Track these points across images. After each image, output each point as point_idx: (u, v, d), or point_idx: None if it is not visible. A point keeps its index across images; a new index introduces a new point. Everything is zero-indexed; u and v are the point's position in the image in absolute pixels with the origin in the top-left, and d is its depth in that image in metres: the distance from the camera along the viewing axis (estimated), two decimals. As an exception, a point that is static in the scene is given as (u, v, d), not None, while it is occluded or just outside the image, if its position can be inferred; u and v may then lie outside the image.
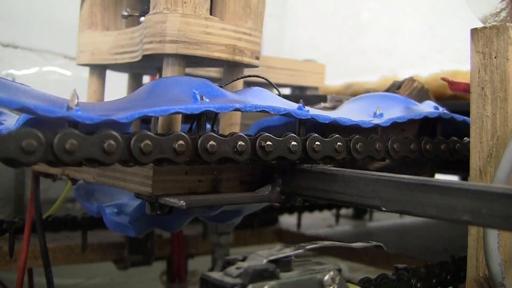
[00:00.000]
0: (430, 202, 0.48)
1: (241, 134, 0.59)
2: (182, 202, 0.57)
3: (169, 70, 0.70)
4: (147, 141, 0.52)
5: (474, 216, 0.44)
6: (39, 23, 1.42)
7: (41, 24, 1.42)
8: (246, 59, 0.74)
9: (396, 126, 0.73)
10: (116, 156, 0.50)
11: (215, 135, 0.57)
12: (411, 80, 0.87)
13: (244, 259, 0.50)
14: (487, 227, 0.59)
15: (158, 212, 0.61)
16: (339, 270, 0.50)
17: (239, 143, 0.58)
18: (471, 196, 0.45)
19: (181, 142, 0.54)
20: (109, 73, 0.90)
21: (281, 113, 0.63)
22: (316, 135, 0.64)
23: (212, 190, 0.64)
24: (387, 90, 0.87)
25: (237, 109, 0.60)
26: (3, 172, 1.19)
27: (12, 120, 0.69)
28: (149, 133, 0.53)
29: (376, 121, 0.71)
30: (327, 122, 0.66)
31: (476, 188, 0.45)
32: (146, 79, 1.07)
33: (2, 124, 0.71)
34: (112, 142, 0.50)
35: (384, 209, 0.53)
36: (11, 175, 1.20)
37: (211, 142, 0.56)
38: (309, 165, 0.63)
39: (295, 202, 0.65)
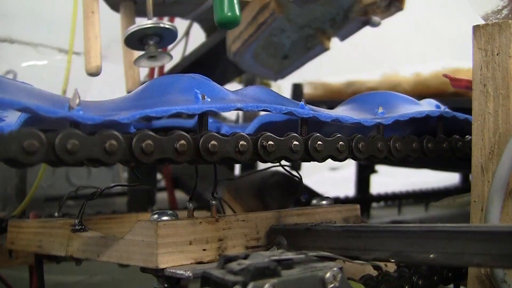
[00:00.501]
0: (438, 249, 0.48)
1: (242, 134, 0.59)
2: (189, 273, 0.56)
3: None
4: (149, 141, 0.52)
5: (485, 258, 0.44)
6: (36, 18, 1.42)
7: (38, 19, 1.42)
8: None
9: (398, 124, 0.73)
10: (118, 156, 0.50)
11: (217, 135, 0.57)
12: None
13: (245, 257, 0.50)
14: (498, 267, 0.59)
15: (166, 285, 0.60)
16: (341, 268, 0.50)
17: (240, 143, 0.58)
18: (478, 238, 0.45)
19: (182, 142, 0.54)
20: (110, 69, 0.90)
21: (283, 112, 0.63)
22: (318, 134, 0.64)
23: (218, 258, 0.62)
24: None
25: (238, 109, 0.60)
26: (4, 170, 1.19)
27: (13, 117, 0.69)
28: (150, 133, 0.53)
29: (378, 119, 0.71)
30: (329, 120, 0.66)
31: (482, 230, 0.45)
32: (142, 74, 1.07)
33: (4, 120, 0.71)
34: (113, 142, 0.50)
35: (393, 260, 0.53)
36: (13, 173, 1.20)
37: (213, 142, 0.56)
38: (313, 224, 0.63)
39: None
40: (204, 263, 0.61)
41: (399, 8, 1.02)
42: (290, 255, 0.50)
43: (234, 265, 0.47)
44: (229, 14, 0.72)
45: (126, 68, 0.93)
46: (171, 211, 0.60)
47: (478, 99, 0.66)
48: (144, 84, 0.67)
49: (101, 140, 0.49)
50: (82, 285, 1.37)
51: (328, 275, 0.49)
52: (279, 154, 0.61)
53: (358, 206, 0.76)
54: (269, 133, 0.60)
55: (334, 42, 1.11)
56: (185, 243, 0.60)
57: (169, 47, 1.03)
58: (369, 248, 0.54)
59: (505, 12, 0.69)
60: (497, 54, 0.64)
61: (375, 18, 1.01)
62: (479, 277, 0.64)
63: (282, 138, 0.61)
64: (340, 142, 0.65)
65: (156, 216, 0.59)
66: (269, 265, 0.47)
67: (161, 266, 0.58)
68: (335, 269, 0.49)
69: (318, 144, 0.63)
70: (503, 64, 0.63)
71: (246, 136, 0.59)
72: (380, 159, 0.72)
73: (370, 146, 0.69)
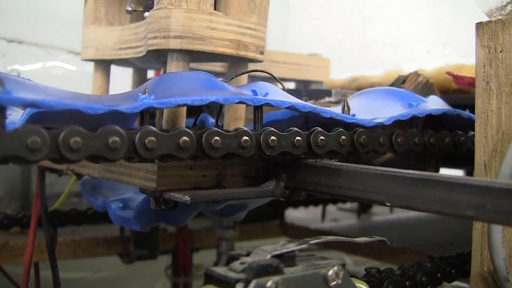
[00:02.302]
0: (434, 197, 0.48)
1: (245, 129, 0.59)
2: (186, 197, 0.57)
3: (174, 65, 0.70)
4: (152, 137, 0.52)
5: (479, 211, 0.44)
6: (43, 18, 1.43)
7: (46, 19, 1.43)
8: (250, 54, 0.74)
9: (400, 121, 0.73)
10: (121, 153, 0.50)
11: (220, 130, 0.57)
12: (416, 74, 0.87)
13: (248, 254, 0.50)
14: (491, 222, 0.59)
15: (163, 207, 0.61)
16: (343, 265, 0.51)
17: (243, 138, 0.58)
18: (476, 192, 0.44)
19: (185, 138, 0.54)
20: (114, 68, 0.90)
21: (285, 106, 0.63)
22: (320, 129, 0.64)
23: (216, 185, 0.64)
24: (392, 85, 0.87)
25: (242, 101, 0.60)
26: (9, 167, 1.20)
27: (17, 115, 0.69)
28: (153, 129, 0.53)
29: (379, 120, 0.71)
30: (328, 117, 0.66)
31: (480, 184, 0.44)
32: (150, 74, 1.07)
33: (7, 118, 0.71)
34: (116, 138, 0.50)
35: (388, 204, 0.52)
36: (17, 170, 1.21)
37: (216, 138, 0.56)
38: (314, 160, 0.63)
39: (299, 197, 0.65)
40: (202, 188, 0.62)
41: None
42: (292, 246, 0.50)
43: (237, 263, 0.47)
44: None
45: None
46: None
47: (481, 97, 0.65)
48: (149, 80, 0.68)
49: (104, 137, 0.49)
50: (85, 281, 1.37)
51: (330, 272, 0.49)
52: (281, 149, 0.61)
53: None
54: (271, 129, 0.60)
55: (341, 41, 1.11)
56: (185, 167, 0.61)
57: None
58: (367, 190, 0.55)
59: (509, 8, 0.69)
60: (500, 52, 0.64)
61: None
62: (482, 274, 0.64)
63: (285, 133, 0.61)
64: (342, 137, 0.65)
65: None
66: (272, 262, 0.47)
67: (160, 188, 0.59)
68: (337, 266, 0.50)
69: (320, 139, 0.63)
70: (506, 61, 0.63)
71: (249, 131, 0.59)
72: (382, 154, 0.72)
73: (372, 141, 0.69)
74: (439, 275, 0.71)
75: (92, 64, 0.89)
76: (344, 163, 0.60)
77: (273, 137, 0.60)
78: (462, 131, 0.79)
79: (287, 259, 0.49)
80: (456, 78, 0.77)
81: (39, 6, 1.45)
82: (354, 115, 0.69)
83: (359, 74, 1.27)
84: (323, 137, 0.64)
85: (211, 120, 0.87)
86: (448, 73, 0.78)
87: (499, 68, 0.64)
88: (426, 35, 1.69)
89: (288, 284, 0.46)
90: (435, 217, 1.45)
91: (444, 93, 0.91)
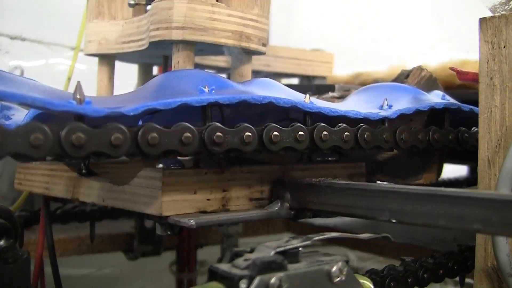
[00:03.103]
0: (440, 212, 0.47)
1: (248, 125, 0.59)
2: (192, 221, 0.57)
3: (179, 56, 0.70)
4: (154, 134, 0.52)
5: (484, 224, 0.44)
6: (46, 15, 1.43)
7: (49, 16, 1.43)
8: (253, 46, 0.74)
9: (404, 117, 0.73)
10: (124, 149, 0.50)
11: (222, 126, 0.57)
12: (420, 69, 0.86)
13: (252, 251, 0.50)
14: (497, 235, 0.59)
15: (169, 232, 0.61)
16: (347, 262, 0.51)
17: (246, 134, 0.58)
18: (481, 205, 0.44)
19: (187, 134, 0.54)
20: (119, 65, 0.90)
21: (288, 105, 0.63)
22: (324, 124, 0.64)
23: (221, 208, 0.63)
24: (395, 80, 0.87)
25: (243, 100, 0.60)
26: (13, 164, 1.20)
27: (20, 115, 0.69)
28: (156, 125, 0.53)
29: (384, 113, 0.71)
30: (334, 115, 0.66)
31: (485, 196, 0.44)
32: (155, 71, 1.07)
33: (11, 118, 0.71)
34: (119, 135, 0.50)
35: (394, 221, 0.52)
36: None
37: (218, 134, 0.56)
38: (317, 180, 0.63)
39: (305, 217, 0.65)
40: (207, 212, 0.62)
41: None
42: (295, 243, 0.50)
43: (240, 260, 0.47)
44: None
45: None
46: (177, 160, 0.61)
47: (484, 92, 0.65)
48: (153, 78, 0.67)
49: (107, 133, 0.49)
50: (90, 278, 1.37)
51: (334, 268, 0.49)
52: (284, 144, 0.61)
53: (363, 164, 0.75)
54: (274, 124, 0.60)
55: (345, 36, 1.11)
56: (189, 192, 0.61)
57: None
58: (372, 208, 0.55)
59: (512, 3, 0.69)
60: (504, 47, 0.63)
61: None
62: (486, 270, 0.64)
63: (288, 129, 0.61)
64: (346, 133, 0.65)
65: (162, 164, 0.60)
66: (275, 259, 0.47)
67: (165, 213, 0.59)
68: (341, 262, 0.50)
69: (324, 134, 0.63)
70: (509, 57, 0.63)
71: (252, 127, 0.59)
72: (386, 150, 0.71)
73: (376, 137, 0.68)
74: (441, 272, 0.71)
75: (96, 60, 0.89)
76: (347, 182, 0.60)
77: (275, 133, 0.60)
78: (466, 126, 0.79)
79: (291, 255, 0.49)
80: (459, 73, 0.77)
81: (42, 2, 1.45)
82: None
83: (362, 69, 1.26)
84: (326, 132, 0.64)
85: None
86: (452, 69, 0.78)
87: (503, 64, 0.63)
88: (430, 30, 1.69)
89: (292, 281, 0.46)
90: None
91: (448, 88, 0.90)
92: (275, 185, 0.67)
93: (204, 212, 0.62)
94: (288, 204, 0.65)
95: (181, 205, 0.60)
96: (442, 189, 0.49)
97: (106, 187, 0.66)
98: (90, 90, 0.72)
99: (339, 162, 0.74)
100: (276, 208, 0.65)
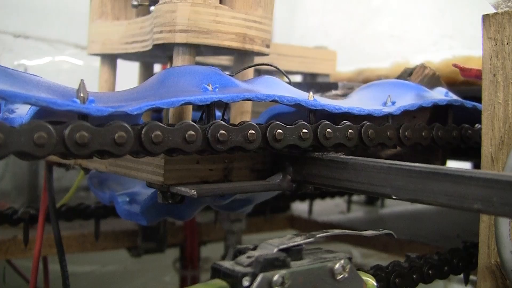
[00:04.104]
0: (441, 190, 0.48)
1: (251, 123, 0.59)
2: (193, 191, 0.57)
3: (180, 59, 0.70)
4: (158, 132, 0.52)
5: (485, 204, 0.44)
6: (50, 13, 1.43)
7: (52, 14, 1.43)
8: (256, 47, 0.73)
9: (407, 114, 0.73)
10: (127, 148, 0.50)
11: (226, 124, 0.57)
12: (423, 66, 0.86)
13: (255, 248, 0.50)
14: (498, 215, 0.59)
15: (170, 201, 0.62)
16: (350, 259, 0.51)
17: (249, 131, 0.58)
18: (482, 184, 0.44)
19: (191, 132, 0.54)
20: (120, 62, 0.90)
21: (292, 103, 0.63)
22: (327, 122, 0.64)
23: (223, 179, 0.64)
24: (399, 77, 0.87)
25: (247, 99, 0.60)
26: (16, 162, 1.20)
27: (24, 108, 0.69)
28: (159, 123, 0.53)
29: (387, 109, 0.71)
30: (338, 112, 0.66)
31: (487, 176, 0.44)
32: (157, 67, 1.07)
33: (15, 112, 0.71)
34: (122, 133, 0.50)
35: (394, 197, 0.52)
36: (24, 165, 1.21)
37: (222, 132, 0.56)
38: (320, 153, 0.63)
39: (306, 190, 0.65)
40: (209, 182, 0.62)
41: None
42: (298, 240, 0.50)
43: (243, 257, 0.47)
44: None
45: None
46: None
47: (488, 89, 0.65)
48: (155, 75, 0.67)
49: (110, 132, 0.49)
50: (94, 275, 1.38)
51: (337, 266, 0.49)
52: (288, 142, 0.61)
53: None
54: (278, 122, 0.60)
55: (347, 33, 1.10)
56: (192, 161, 0.61)
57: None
58: (374, 183, 0.55)
59: (516, 0, 0.68)
60: (507, 44, 0.63)
61: None
62: (489, 267, 0.64)
63: (291, 126, 0.61)
64: (350, 130, 0.65)
65: None
66: (278, 256, 0.47)
67: (167, 182, 0.59)
68: (344, 259, 0.50)
69: (328, 131, 0.63)
70: (513, 53, 0.63)
71: (255, 125, 0.59)
72: (389, 147, 0.71)
73: (380, 134, 0.68)
74: (446, 268, 0.71)
75: (99, 58, 0.89)
76: (350, 156, 0.60)
77: (279, 130, 0.60)
78: (469, 122, 0.79)
79: (294, 252, 0.49)
80: (463, 70, 0.77)
81: (45, 0, 1.45)
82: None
83: (365, 67, 1.26)
84: (330, 130, 0.64)
85: (218, 113, 0.86)
86: (455, 65, 0.77)
87: (506, 60, 0.63)
88: (433, 26, 1.68)
89: (295, 278, 0.46)
90: (442, 209, 1.44)
91: (451, 85, 0.90)
92: (277, 157, 0.67)
93: (206, 182, 0.62)
94: (290, 176, 0.65)
95: (183, 174, 0.60)
96: (445, 167, 0.49)
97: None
98: (92, 85, 0.72)
99: None
100: (278, 180, 0.65)
